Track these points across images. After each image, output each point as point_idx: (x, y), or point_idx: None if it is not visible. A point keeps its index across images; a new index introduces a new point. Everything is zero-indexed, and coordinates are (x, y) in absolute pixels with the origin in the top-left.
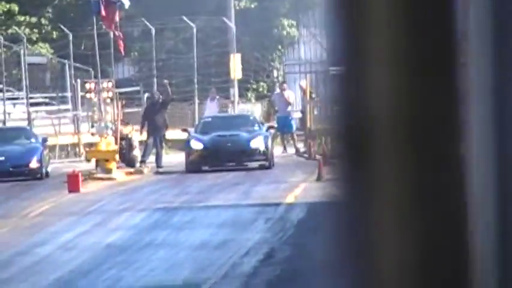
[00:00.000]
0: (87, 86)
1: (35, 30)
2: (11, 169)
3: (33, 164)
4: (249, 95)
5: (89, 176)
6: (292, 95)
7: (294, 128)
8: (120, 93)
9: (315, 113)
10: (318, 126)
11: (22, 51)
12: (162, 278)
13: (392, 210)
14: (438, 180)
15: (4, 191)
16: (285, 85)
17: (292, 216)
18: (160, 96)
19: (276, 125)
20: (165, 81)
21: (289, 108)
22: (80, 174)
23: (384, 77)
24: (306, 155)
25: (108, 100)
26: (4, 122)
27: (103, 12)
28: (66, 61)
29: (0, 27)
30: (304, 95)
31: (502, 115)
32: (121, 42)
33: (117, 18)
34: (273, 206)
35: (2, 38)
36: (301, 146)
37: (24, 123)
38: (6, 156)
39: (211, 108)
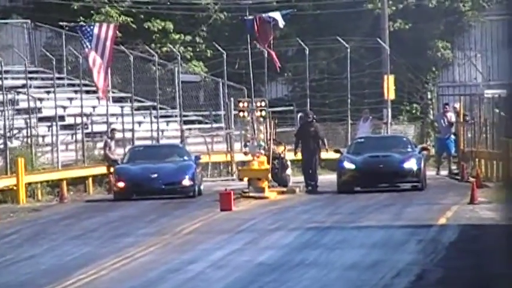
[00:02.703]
0: (241, 104)
1: (189, 49)
2: (163, 186)
3: (186, 181)
4: (402, 116)
5: (241, 195)
6: (454, 117)
7: (453, 150)
8: (273, 112)
9: (468, 135)
10: (472, 149)
11: (176, 69)
12: None
13: None
14: None
15: (157, 209)
16: (447, 107)
17: (444, 238)
18: (314, 117)
19: (430, 147)
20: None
21: (452, 129)
22: (232, 192)
23: None
24: (458, 177)
25: (261, 119)
26: (158, 140)
27: (258, 31)
28: (219, 79)
29: (155, 45)
30: (458, 117)
31: None
32: (276, 59)
33: (271, 37)
34: (424, 228)
35: (156, 56)
36: (453, 168)
37: (177, 141)
38: (159, 174)
39: (364, 129)
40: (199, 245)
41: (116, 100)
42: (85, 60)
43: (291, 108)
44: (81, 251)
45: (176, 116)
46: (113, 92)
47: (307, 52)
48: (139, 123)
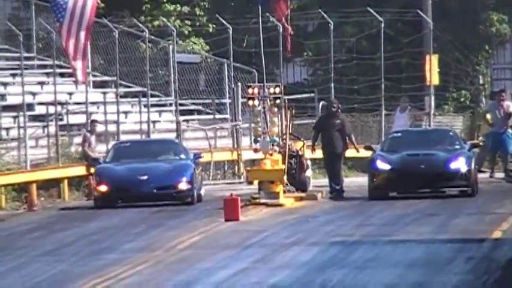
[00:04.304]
0: (250, 91)
1: (187, 23)
2: (155, 191)
3: (183, 185)
4: (448, 105)
5: (250, 201)
6: None
7: (511, 147)
8: (290, 101)
9: None
10: None
11: (171, 48)
12: None
13: None
14: None
15: (147, 218)
16: (503, 94)
17: (499, 255)
18: (340, 106)
19: (482, 143)
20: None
21: (510, 122)
22: (239, 198)
23: None
24: None
25: (275, 109)
26: (148, 134)
27: (270, 1)
28: (224, 60)
29: (145, 17)
30: None
31: None
32: (289, 39)
33: (288, 8)
34: (475, 243)
35: (147, 32)
36: (511, 170)
37: (173, 136)
38: (150, 176)
39: (401, 121)
40: (198, 263)
41: (97, 85)
42: (59, 36)
43: (312, 95)
44: (53, 270)
45: (171, 104)
46: (94, 76)
47: (332, 27)
48: (126, 113)
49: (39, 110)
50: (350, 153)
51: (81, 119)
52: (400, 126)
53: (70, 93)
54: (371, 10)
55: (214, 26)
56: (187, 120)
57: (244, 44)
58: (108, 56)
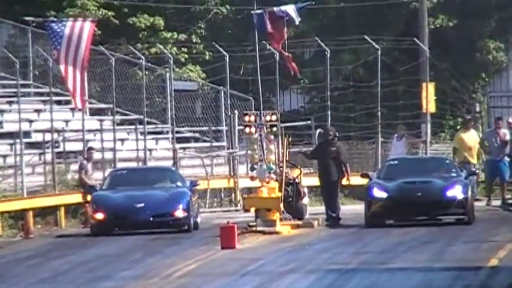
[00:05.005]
0: (247, 118)
1: (184, 50)
2: (151, 219)
3: (179, 213)
4: (445, 133)
5: (247, 229)
6: (508, 135)
7: (508, 175)
8: (286, 128)
9: None
10: None
11: (168, 75)
12: None
13: None
14: None
15: (144, 245)
16: (500, 122)
17: (496, 283)
18: (336, 134)
19: (479, 171)
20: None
21: (507, 150)
22: (235, 226)
23: None
24: None
25: (272, 136)
26: (145, 161)
27: (269, 28)
28: (221, 88)
29: (142, 45)
30: None
31: None
32: (292, 63)
33: (285, 36)
34: (472, 271)
35: (144, 59)
36: (508, 198)
37: (169, 163)
38: (146, 203)
39: (397, 149)
40: None
41: (94, 113)
42: (55, 64)
43: (308, 123)
44: None
45: (167, 132)
46: (90, 103)
47: (328, 54)
48: (122, 140)
49: (36, 137)
50: (343, 181)
51: (77, 146)
52: (396, 154)
53: (66, 121)
54: (367, 38)
55: (211, 53)
56: (183, 148)
57: (241, 72)
58: (104, 83)
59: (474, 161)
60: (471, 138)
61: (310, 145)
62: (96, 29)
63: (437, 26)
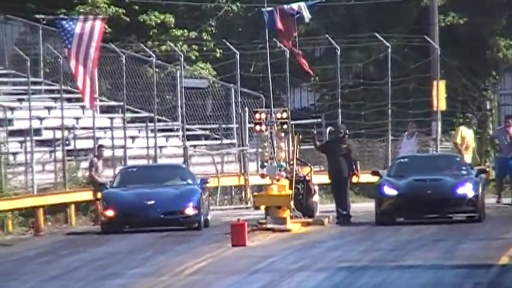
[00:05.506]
0: (257, 116)
1: (195, 47)
2: (162, 216)
3: (190, 210)
4: (455, 131)
5: (257, 227)
6: None
7: None
8: (297, 126)
9: None
10: None
11: (178, 73)
12: None
13: None
14: None
15: (154, 243)
16: (510, 120)
17: (506, 280)
18: (347, 132)
19: (488, 169)
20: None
21: None
22: (246, 224)
23: None
24: None
25: (282, 134)
26: (155, 159)
27: (279, 25)
28: (231, 85)
29: (152, 42)
30: None
31: None
32: (304, 61)
33: (295, 34)
34: (482, 268)
35: (154, 57)
36: None
37: (180, 161)
38: (156, 201)
39: (408, 146)
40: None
41: (105, 110)
42: (66, 61)
43: (319, 120)
44: None
45: (178, 129)
46: (101, 101)
47: (339, 52)
48: (133, 138)
49: (46, 134)
50: (353, 179)
51: (88, 144)
52: (407, 151)
53: (77, 118)
54: (378, 35)
55: (221, 51)
56: (194, 145)
57: (252, 69)
58: (115, 81)
59: (469, 161)
60: (471, 136)
61: (321, 142)
62: (106, 26)
63: (448, 23)
